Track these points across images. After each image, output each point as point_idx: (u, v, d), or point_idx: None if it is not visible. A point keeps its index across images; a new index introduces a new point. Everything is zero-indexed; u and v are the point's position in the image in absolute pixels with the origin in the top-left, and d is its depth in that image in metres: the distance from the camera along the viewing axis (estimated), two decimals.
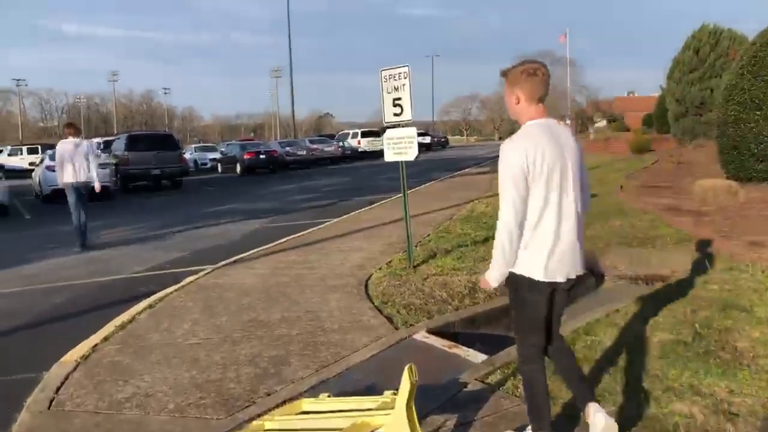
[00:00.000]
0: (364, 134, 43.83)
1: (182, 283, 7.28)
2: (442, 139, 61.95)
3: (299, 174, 30.34)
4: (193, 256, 9.40)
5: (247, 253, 8.95)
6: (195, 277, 7.58)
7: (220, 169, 33.23)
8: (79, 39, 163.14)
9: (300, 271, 7.69)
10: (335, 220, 12.24)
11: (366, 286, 6.82)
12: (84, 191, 10.64)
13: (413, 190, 17.55)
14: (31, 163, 36.93)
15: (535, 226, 2.90)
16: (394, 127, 7.70)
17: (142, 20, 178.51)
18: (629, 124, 70.79)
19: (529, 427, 3.14)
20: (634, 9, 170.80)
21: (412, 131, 7.67)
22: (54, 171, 11.88)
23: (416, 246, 8.52)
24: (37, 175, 19.88)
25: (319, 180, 24.74)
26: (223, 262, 8.38)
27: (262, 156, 30.47)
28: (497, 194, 3.02)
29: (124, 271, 8.49)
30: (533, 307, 3.01)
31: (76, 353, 5.02)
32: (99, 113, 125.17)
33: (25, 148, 39.03)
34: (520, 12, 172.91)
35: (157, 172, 22.38)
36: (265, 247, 9.43)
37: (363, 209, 13.76)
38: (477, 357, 4.70)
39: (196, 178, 29.01)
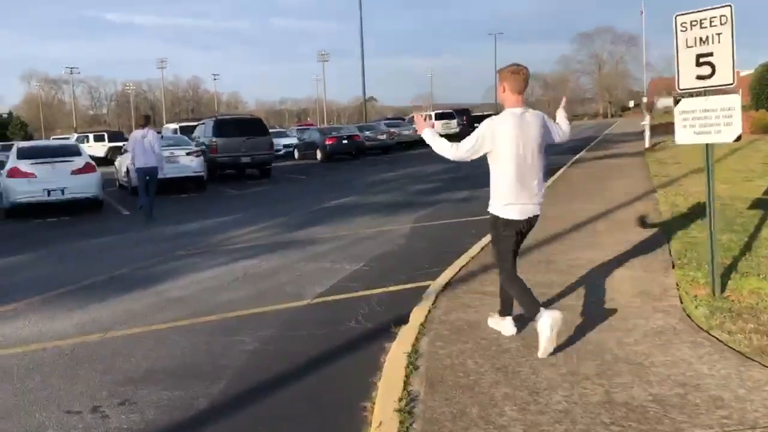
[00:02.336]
0: (438, 116, 41.48)
1: (416, 321, 5.16)
2: None
3: (384, 159, 28.25)
4: (376, 270, 7.31)
5: (453, 269, 6.80)
6: (423, 310, 5.45)
7: (296, 156, 31.28)
8: (126, 28, 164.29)
9: (563, 299, 5.51)
10: None
11: (708, 332, 4.59)
12: (151, 176, 12.44)
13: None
14: (111, 149, 35.58)
15: (504, 185, 4.32)
16: (700, 93, 5.43)
17: (188, 7, 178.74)
18: None
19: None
20: None
21: (733, 100, 5.38)
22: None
23: (674, 255, 6.28)
24: (123, 164, 18.16)
25: (418, 166, 22.51)
26: (437, 282, 6.24)
27: (344, 141, 28.41)
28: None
29: (303, 294, 6.44)
30: (509, 239, 4.44)
31: None
32: (146, 100, 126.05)
33: (91, 136, 37.73)
34: None
35: (246, 160, 20.52)
36: (468, 257, 7.27)
37: None
38: None
39: (274, 166, 27.09)
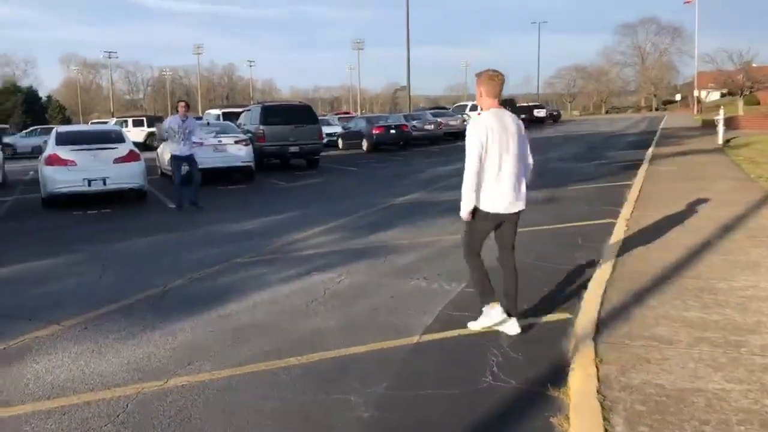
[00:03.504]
0: None
1: (584, 384, 3.79)
2: (554, 113, 57.12)
3: (434, 151, 26.83)
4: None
5: (592, 300, 5.40)
6: (587, 365, 4.05)
7: (341, 145, 29.97)
8: (163, 13, 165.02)
9: None
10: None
11: None
12: (189, 163, 11.84)
13: (617, 182, 13.66)
14: (150, 135, 34.67)
15: (484, 178, 4.58)
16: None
17: None
18: (760, 97, 63.34)
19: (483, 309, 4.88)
20: None
21: None
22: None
23: None
24: (166, 152, 16.99)
25: None
26: (584, 320, 4.85)
27: (392, 131, 27.04)
28: None
29: (407, 327, 5.09)
30: (483, 228, 4.75)
31: None
32: (182, 86, 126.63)
33: (130, 121, 36.95)
34: None
35: (294, 150, 19.27)
36: (601, 282, 5.84)
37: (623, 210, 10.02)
38: None
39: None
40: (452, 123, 33.71)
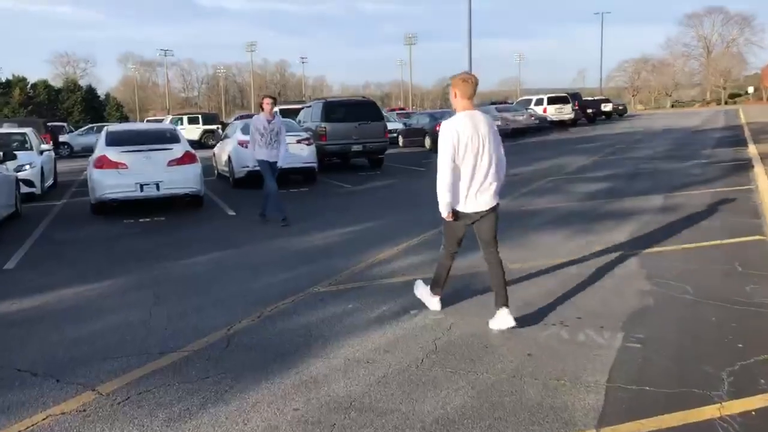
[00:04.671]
0: (551, 100, 37.78)
1: None
2: (620, 107, 54.36)
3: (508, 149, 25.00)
4: (657, 350, 4.36)
5: None
6: None
7: (401, 143, 28.52)
8: (217, 12, 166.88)
9: None
10: None
11: None
12: (276, 167, 10.37)
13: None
14: (205, 133, 34.27)
15: (459, 178, 4.77)
16: None
17: None
18: None
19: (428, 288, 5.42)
20: None
21: None
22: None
23: None
24: (224, 152, 15.92)
25: (550, 158, 19.24)
26: None
27: None
28: None
29: (570, 412, 3.59)
30: (455, 227, 5.04)
31: None
32: (236, 83, 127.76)
33: (185, 118, 36.34)
34: None
35: (358, 148, 17.94)
36: None
37: None
38: None
39: None
40: (519, 118, 31.83)
